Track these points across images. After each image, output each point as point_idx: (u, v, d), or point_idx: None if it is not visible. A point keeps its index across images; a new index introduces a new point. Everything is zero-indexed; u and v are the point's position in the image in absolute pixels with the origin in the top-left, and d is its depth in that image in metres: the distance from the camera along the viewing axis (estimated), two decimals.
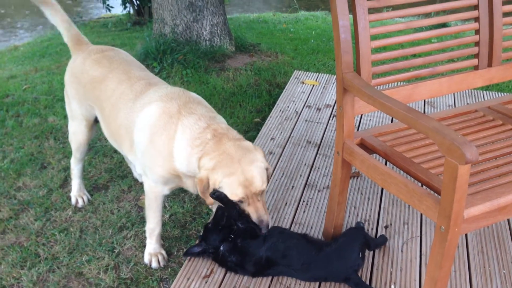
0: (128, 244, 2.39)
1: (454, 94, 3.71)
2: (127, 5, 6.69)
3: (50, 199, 2.75)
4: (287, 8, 8.57)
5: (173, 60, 4.36)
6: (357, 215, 2.46)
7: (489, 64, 2.15)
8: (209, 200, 1.93)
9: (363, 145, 2.02)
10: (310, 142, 3.13)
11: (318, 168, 2.86)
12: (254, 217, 1.92)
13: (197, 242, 2.22)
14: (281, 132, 3.26)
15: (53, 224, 2.55)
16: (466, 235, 2.31)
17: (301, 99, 3.72)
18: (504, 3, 2.08)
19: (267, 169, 1.94)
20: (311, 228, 2.39)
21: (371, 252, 2.20)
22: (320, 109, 3.57)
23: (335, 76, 4.01)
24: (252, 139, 3.20)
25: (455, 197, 1.47)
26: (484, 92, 3.78)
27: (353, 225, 2.35)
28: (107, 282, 2.17)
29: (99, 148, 3.23)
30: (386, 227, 2.38)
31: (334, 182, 2.11)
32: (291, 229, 2.37)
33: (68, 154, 3.11)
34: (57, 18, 2.50)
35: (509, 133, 2.02)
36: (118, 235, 2.45)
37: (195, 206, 2.65)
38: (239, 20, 6.59)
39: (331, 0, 1.82)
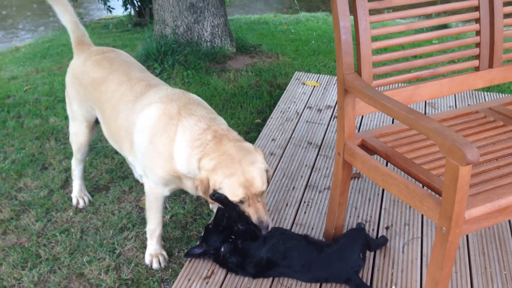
0: (129, 245, 2.39)
1: (455, 95, 3.71)
2: (128, 6, 6.70)
3: (51, 200, 2.75)
4: (288, 9, 8.58)
5: (174, 61, 4.36)
6: (358, 216, 2.46)
7: (490, 65, 2.15)
8: (210, 200, 1.93)
9: (364, 146, 2.02)
10: (311, 143, 3.14)
11: (319, 169, 2.86)
12: (254, 218, 1.92)
13: (198, 243, 2.22)
14: (282, 133, 3.26)
15: (54, 225, 2.56)
16: (467, 236, 2.31)
17: (302, 100, 3.72)
18: (505, 4, 2.08)
19: (267, 171, 1.94)
20: (312, 229, 2.39)
21: (372, 253, 2.20)
22: (321, 110, 3.57)
23: (336, 77, 4.01)
24: (253, 140, 3.20)
25: (456, 198, 1.47)
26: (485, 93, 3.78)
27: (354, 226, 2.35)
28: (108, 283, 2.18)
29: (100, 149, 3.24)
30: (387, 228, 2.37)
31: (335, 183, 2.11)
32: (292, 230, 2.37)
33: (69, 155, 3.11)
34: (65, 19, 2.51)
35: (510, 134, 2.02)
36: (119, 236, 2.45)
37: (196, 207, 2.65)
38: (240, 21, 6.59)
39: (332, 1, 1.82)
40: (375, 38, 1.92)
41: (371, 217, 2.45)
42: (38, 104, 3.92)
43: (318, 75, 4.21)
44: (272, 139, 3.18)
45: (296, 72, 4.29)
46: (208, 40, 4.61)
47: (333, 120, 3.41)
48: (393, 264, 2.15)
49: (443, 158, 1.82)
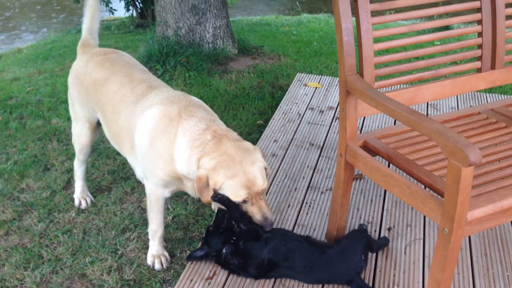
0: (131, 246, 2.40)
1: (457, 96, 3.70)
2: (130, 8, 6.72)
3: (53, 200, 2.76)
4: (290, 10, 8.59)
5: (176, 62, 4.37)
6: (360, 217, 2.46)
7: (492, 67, 2.15)
8: (206, 198, 1.92)
9: (366, 147, 2.02)
10: (313, 144, 3.14)
11: (321, 170, 2.86)
12: (258, 215, 1.93)
13: (199, 245, 2.22)
14: (284, 134, 3.26)
15: (56, 226, 2.56)
16: (469, 237, 2.31)
17: (304, 102, 3.73)
18: (507, 6, 2.09)
19: (265, 169, 1.95)
20: (314, 230, 2.39)
21: (374, 254, 2.20)
22: (323, 111, 3.57)
23: (337, 79, 4.01)
24: (255, 141, 3.21)
25: (458, 199, 1.47)
26: (487, 94, 3.78)
27: (356, 227, 2.35)
28: (110, 284, 2.18)
29: (102, 150, 3.24)
30: (389, 229, 2.37)
31: (337, 184, 2.11)
32: (294, 231, 2.37)
33: (71, 156, 3.12)
34: (86, 18, 2.57)
35: None
36: (121, 237, 2.46)
37: (198, 208, 2.65)
38: (242, 23, 6.60)
39: (334, 2, 1.82)
40: (377, 40, 1.93)
41: (373, 218, 2.45)
42: (41, 105, 3.93)
43: (320, 76, 4.21)
44: (274, 140, 3.19)
45: (298, 73, 4.29)
46: (210, 41, 4.62)
47: (335, 121, 3.42)
48: (395, 265, 2.15)
49: (445, 159, 1.82)
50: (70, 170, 2.97)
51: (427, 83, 2.07)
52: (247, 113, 3.71)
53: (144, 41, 5.27)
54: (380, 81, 1.98)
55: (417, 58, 2.14)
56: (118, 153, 3.13)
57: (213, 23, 4.57)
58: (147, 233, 2.33)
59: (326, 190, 2.69)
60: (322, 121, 3.44)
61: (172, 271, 2.24)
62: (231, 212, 2.02)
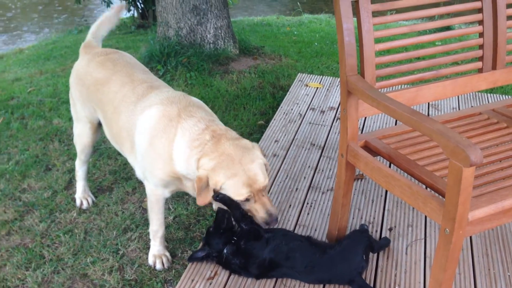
0: (132, 246, 2.40)
1: (458, 96, 3.70)
2: (131, 8, 6.72)
3: (54, 200, 2.76)
4: (291, 11, 8.59)
5: (177, 63, 4.38)
6: (361, 218, 2.46)
7: (494, 67, 2.15)
8: (205, 198, 1.90)
9: (367, 147, 2.02)
10: (314, 145, 3.14)
11: (322, 170, 2.86)
12: (262, 212, 1.93)
13: (200, 246, 2.22)
14: (285, 135, 3.26)
15: (58, 226, 2.56)
16: (470, 237, 2.31)
17: (305, 102, 3.73)
18: (508, 6, 2.09)
19: (265, 165, 1.96)
20: (315, 230, 2.39)
21: (375, 254, 2.20)
22: (324, 111, 3.58)
23: (338, 79, 4.02)
24: (256, 141, 3.19)
25: (459, 200, 1.47)
26: (489, 94, 3.78)
27: (357, 227, 2.35)
28: (112, 284, 2.18)
29: (104, 150, 3.25)
30: (390, 229, 2.37)
31: (338, 184, 2.11)
32: (295, 231, 2.37)
33: (72, 156, 3.12)
34: (97, 24, 2.61)
35: None
36: (123, 237, 2.46)
37: (199, 208, 2.65)
38: (243, 23, 6.61)
39: (335, 3, 1.83)
40: (378, 40, 1.93)
41: (374, 218, 2.45)
42: (42, 105, 3.93)
43: (321, 76, 4.21)
44: (275, 141, 3.19)
45: (299, 73, 4.29)
46: (211, 42, 4.62)
47: (336, 122, 3.42)
48: (397, 265, 2.15)
49: (447, 160, 1.82)
50: (72, 170, 2.97)
51: (428, 83, 2.07)
52: (248, 113, 3.71)
53: (145, 42, 5.28)
54: (381, 81, 1.99)
55: (418, 59, 2.14)
56: (119, 154, 3.13)
57: (214, 23, 4.57)
58: (148, 233, 2.34)
59: (327, 190, 2.69)
60: (323, 121, 3.44)
61: (174, 271, 2.25)
62: (232, 212, 2.02)
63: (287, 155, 3.02)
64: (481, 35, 2.10)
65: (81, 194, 2.71)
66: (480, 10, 2.06)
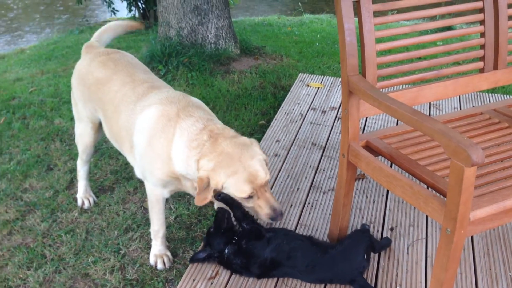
0: (133, 246, 2.40)
1: (459, 96, 3.70)
2: (133, 8, 6.72)
3: (56, 200, 2.77)
4: (292, 11, 8.59)
5: (179, 63, 4.38)
6: (363, 217, 2.46)
7: (495, 67, 2.15)
8: (202, 199, 1.89)
9: (368, 147, 2.03)
10: (315, 145, 3.14)
11: (323, 170, 2.86)
12: (266, 208, 1.91)
13: (200, 247, 2.23)
14: (286, 135, 3.26)
15: (59, 226, 2.57)
16: (472, 237, 2.31)
17: (306, 102, 3.73)
18: (509, 6, 2.08)
19: (265, 160, 1.96)
20: (317, 230, 2.39)
21: (377, 254, 2.20)
22: (325, 111, 3.58)
23: (340, 79, 4.02)
24: (257, 141, 3.21)
25: (461, 199, 1.47)
26: (490, 94, 3.78)
27: (359, 227, 2.35)
28: (113, 283, 2.18)
29: (105, 150, 3.25)
30: (391, 229, 2.38)
31: (340, 184, 2.11)
32: (296, 231, 2.37)
33: (74, 156, 3.12)
34: (102, 30, 2.64)
35: None
36: (124, 237, 2.46)
37: (200, 208, 2.65)
38: (244, 23, 6.61)
39: (336, 3, 1.83)
40: (379, 40, 1.93)
41: (375, 218, 2.45)
42: (43, 105, 3.94)
43: (322, 76, 4.21)
44: (277, 141, 3.19)
45: (300, 73, 4.29)
46: (212, 42, 4.62)
47: (337, 122, 3.42)
48: (398, 265, 2.15)
49: (448, 160, 1.82)
50: (73, 170, 2.97)
51: (429, 83, 2.07)
52: (249, 113, 3.71)
53: (147, 42, 5.28)
54: (382, 81, 1.99)
55: (420, 59, 2.14)
56: (121, 154, 3.13)
57: (215, 23, 4.57)
58: (149, 233, 2.34)
59: (329, 190, 2.69)
60: (324, 121, 3.44)
61: (175, 270, 2.25)
62: (233, 211, 2.02)
63: (288, 155, 3.02)
64: (482, 35, 2.10)
65: (83, 194, 2.71)
66: (481, 10, 2.06)
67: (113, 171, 3.03)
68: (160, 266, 2.26)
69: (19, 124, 3.62)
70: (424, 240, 2.29)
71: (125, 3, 6.70)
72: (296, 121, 3.43)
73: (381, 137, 2.04)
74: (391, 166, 2.28)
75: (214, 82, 4.24)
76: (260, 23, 6.65)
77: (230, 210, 2.14)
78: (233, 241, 2.10)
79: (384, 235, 2.33)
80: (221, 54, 4.61)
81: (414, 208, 2.50)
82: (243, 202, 1.93)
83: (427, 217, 2.44)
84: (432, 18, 5.04)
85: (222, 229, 2.11)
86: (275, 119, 3.47)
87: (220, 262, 2.14)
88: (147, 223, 2.53)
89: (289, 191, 2.68)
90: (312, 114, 3.54)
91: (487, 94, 3.78)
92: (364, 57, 1.91)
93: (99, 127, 2.52)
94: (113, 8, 6.67)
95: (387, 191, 2.64)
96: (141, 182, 2.89)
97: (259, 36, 5.85)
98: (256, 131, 3.46)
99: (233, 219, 2.15)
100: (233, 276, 2.11)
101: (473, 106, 3.55)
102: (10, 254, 2.38)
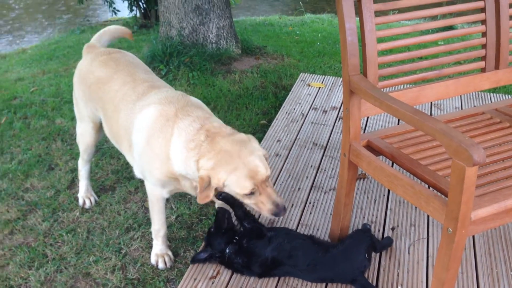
0: (135, 245, 2.40)
1: (461, 96, 3.70)
2: (134, 8, 6.73)
3: (57, 200, 2.77)
4: (293, 11, 8.59)
5: (180, 62, 4.38)
6: (364, 217, 2.46)
7: (496, 67, 2.15)
8: (204, 198, 1.89)
9: (369, 147, 2.02)
10: (316, 144, 3.14)
11: (325, 170, 2.86)
12: (268, 203, 1.89)
13: (201, 247, 2.23)
14: (287, 134, 3.26)
15: (61, 225, 2.57)
16: (473, 237, 2.30)
17: (307, 102, 3.73)
18: (511, 6, 2.08)
19: (264, 156, 1.95)
20: (318, 229, 2.39)
21: (378, 254, 2.20)
22: (326, 111, 3.58)
23: (341, 79, 4.02)
24: (258, 141, 3.21)
25: (462, 199, 1.47)
26: (491, 94, 3.77)
27: (360, 227, 2.35)
28: (114, 283, 2.19)
29: (106, 149, 3.25)
30: (393, 228, 2.37)
31: (341, 183, 2.11)
32: (298, 231, 2.37)
33: (75, 156, 3.13)
34: (102, 33, 2.66)
35: None
36: (125, 236, 2.47)
37: (201, 207, 2.65)
38: (245, 23, 6.61)
39: (337, 2, 1.83)
40: (380, 40, 1.93)
41: (376, 217, 2.45)
42: (45, 105, 3.94)
43: (323, 76, 4.21)
44: (278, 140, 3.19)
45: (301, 73, 4.29)
46: (214, 41, 4.62)
47: (338, 121, 3.42)
48: (399, 264, 2.15)
49: (449, 159, 1.82)
50: (74, 170, 2.98)
51: (430, 83, 2.07)
52: (251, 113, 3.72)
53: (148, 42, 5.28)
54: (383, 81, 1.99)
55: (421, 58, 2.13)
56: (122, 153, 3.15)
57: (216, 23, 4.57)
58: (150, 233, 2.34)
59: (330, 189, 2.69)
60: (326, 121, 3.44)
61: (176, 270, 2.25)
62: (234, 210, 2.02)
63: (290, 155, 3.03)
64: (483, 34, 2.10)
65: (84, 193, 2.72)
66: (482, 10, 2.06)
67: (114, 171, 3.03)
68: (161, 265, 2.26)
69: (20, 123, 3.62)
70: (426, 240, 2.29)
71: (126, 3, 6.70)
72: (297, 121, 3.43)
73: (382, 137, 2.04)
74: (392, 166, 2.28)
75: (215, 82, 4.24)
76: (261, 23, 6.65)
77: (231, 210, 2.14)
78: (234, 240, 2.10)
79: (385, 235, 2.33)
80: (222, 54, 4.61)
81: (415, 207, 2.50)
82: (245, 199, 1.91)
83: (428, 216, 2.44)
84: (434, 17, 5.04)
85: (222, 229, 2.11)
86: (276, 119, 3.47)
87: (221, 261, 2.14)
88: (148, 222, 2.54)
89: (290, 190, 2.68)
90: (313, 113, 3.54)
91: (488, 93, 3.78)
92: (365, 56, 1.90)
93: (100, 127, 2.52)
94: (114, 8, 6.67)
95: (388, 191, 2.64)
96: (142, 182, 2.89)
97: (260, 36, 5.85)
98: (257, 131, 3.46)
99: (233, 218, 2.15)
100: (234, 275, 2.12)
101: (475, 106, 3.54)
102: (11, 254, 2.38)
